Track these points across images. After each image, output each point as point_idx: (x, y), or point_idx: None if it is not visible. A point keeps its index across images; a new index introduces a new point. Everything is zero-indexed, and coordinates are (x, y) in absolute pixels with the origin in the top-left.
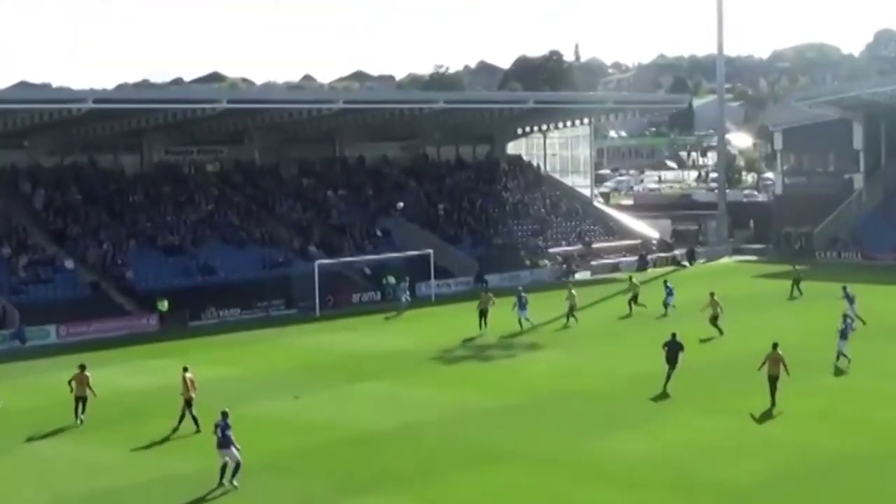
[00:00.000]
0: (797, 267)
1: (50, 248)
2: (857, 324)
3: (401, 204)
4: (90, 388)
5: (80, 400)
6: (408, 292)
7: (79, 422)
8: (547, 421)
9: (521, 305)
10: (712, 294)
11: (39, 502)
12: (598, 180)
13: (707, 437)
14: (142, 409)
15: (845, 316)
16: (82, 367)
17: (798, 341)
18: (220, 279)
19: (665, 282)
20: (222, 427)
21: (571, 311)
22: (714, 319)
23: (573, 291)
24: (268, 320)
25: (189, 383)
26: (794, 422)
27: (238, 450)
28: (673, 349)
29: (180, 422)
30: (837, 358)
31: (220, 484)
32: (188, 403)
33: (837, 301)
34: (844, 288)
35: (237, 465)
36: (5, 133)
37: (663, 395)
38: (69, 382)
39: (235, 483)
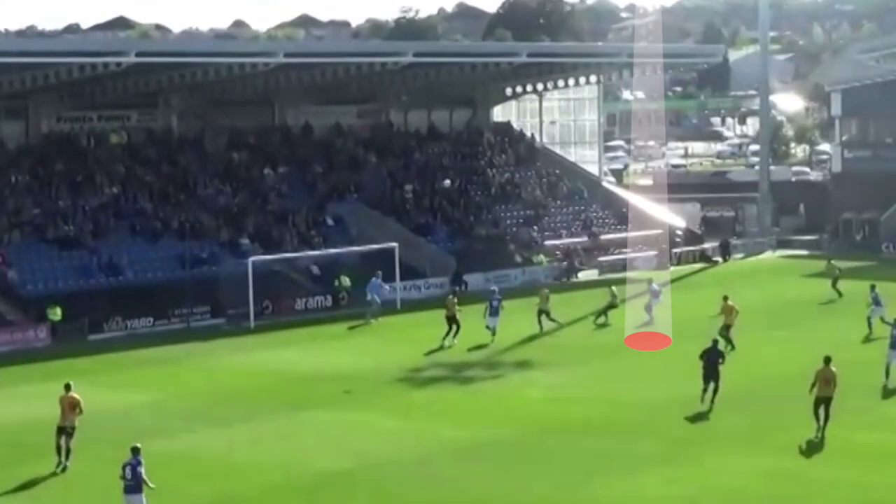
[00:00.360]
0: (832, 262)
1: None
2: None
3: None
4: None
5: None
6: (386, 287)
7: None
8: (540, 460)
9: (493, 311)
10: (726, 298)
11: None
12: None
13: (743, 480)
14: (25, 447)
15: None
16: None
17: (855, 358)
18: (128, 281)
19: (872, 287)
20: (133, 466)
21: (607, 309)
22: (726, 329)
23: (614, 290)
24: (189, 333)
25: (69, 408)
26: (852, 460)
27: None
28: (712, 360)
29: (67, 457)
30: (887, 375)
31: None
32: (65, 432)
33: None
34: (873, 287)
35: None
36: None
37: (701, 418)
38: None
39: None
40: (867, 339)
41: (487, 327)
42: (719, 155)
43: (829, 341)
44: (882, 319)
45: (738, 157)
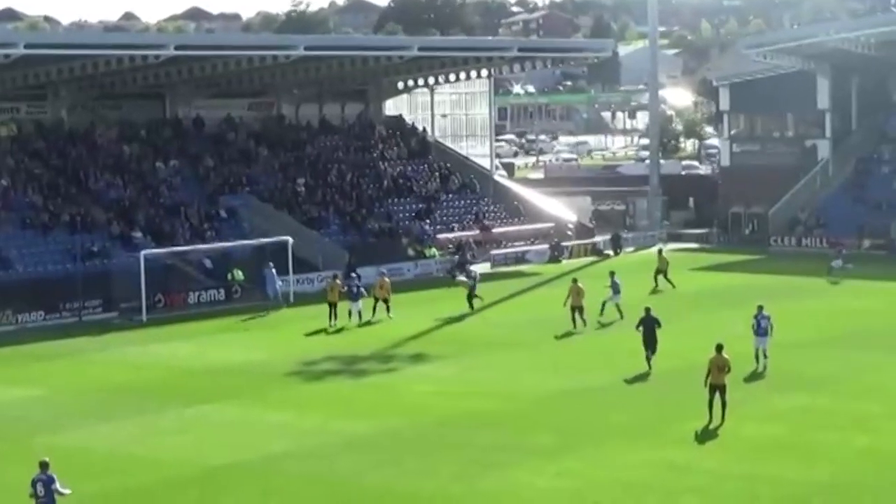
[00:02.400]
0: (661, 249)
1: None
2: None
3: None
4: None
5: None
6: (279, 281)
7: None
8: (434, 453)
9: (353, 296)
10: (575, 280)
11: None
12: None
13: (633, 472)
14: None
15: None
16: None
17: (744, 350)
18: (18, 274)
19: (612, 274)
20: (44, 482)
21: (660, 274)
22: (577, 311)
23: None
24: (80, 327)
25: None
26: (746, 452)
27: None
28: (649, 327)
29: None
30: (757, 360)
31: None
32: None
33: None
34: (612, 274)
35: None
36: None
37: (592, 410)
38: None
39: None
40: (600, 325)
41: (354, 311)
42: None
43: (718, 334)
44: (617, 307)
45: (628, 150)
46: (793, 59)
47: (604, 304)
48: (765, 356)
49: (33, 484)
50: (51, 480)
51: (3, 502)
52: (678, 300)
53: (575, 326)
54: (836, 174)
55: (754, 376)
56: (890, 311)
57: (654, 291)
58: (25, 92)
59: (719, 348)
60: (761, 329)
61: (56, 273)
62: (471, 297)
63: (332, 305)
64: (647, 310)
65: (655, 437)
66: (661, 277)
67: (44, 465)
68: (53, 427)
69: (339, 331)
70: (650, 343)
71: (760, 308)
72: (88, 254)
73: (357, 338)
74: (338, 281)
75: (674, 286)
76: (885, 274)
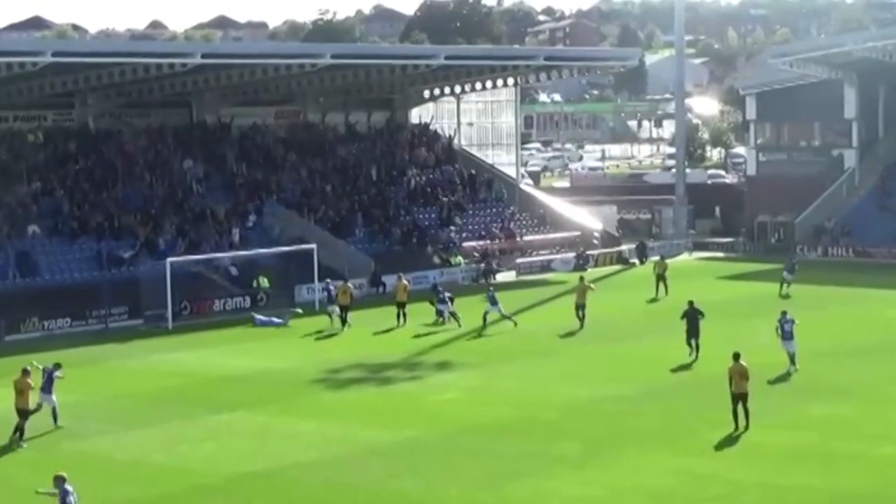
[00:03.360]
0: (662, 255)
1: None
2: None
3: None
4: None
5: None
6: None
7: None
8: (458, 461)
9: (330, 299)
10: (582, 278)
11: None
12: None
13: (658, 481)
14: None
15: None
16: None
17: (770, 360)
18: (45, 281)
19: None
20: (61, 496)
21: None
22: (580, 308)
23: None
24: (106, 334)
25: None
26: (769, 461)
27: None
28: (693, 317)
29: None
30: (792, 362)
31: None
32: (23, 414)
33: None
34: (490, 288)
35: None
36: None
37: (616, 418)
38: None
39: None
40: (480, 335)
41: (333, 316)
42: None
43: (743, 343)
44: (502, 315)
45: (655, 159)
46: (819, 68)
47: (485, 315)
48: (793, 362)
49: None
50: (66, 494)
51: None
52: (709, 308)
53: (582, 326)
54: (862, 183)
55: (780, 384)
56: None
57: (653, 300)
58: (53, 100)
59: (736, 357)
60: (786, 332)
61: (83, 280)
62: (454, 314)
63: (401, 305)
64: (691, 302)
65: (679, 445)
66: (660, 284)
67: (60, 480)
68: (80, 434)
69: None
70: (693, 332)
71: (784, 313)
72: (115, 261)
73: (382, 346)
74: (404, 281)
75: (667, 293)
76: None
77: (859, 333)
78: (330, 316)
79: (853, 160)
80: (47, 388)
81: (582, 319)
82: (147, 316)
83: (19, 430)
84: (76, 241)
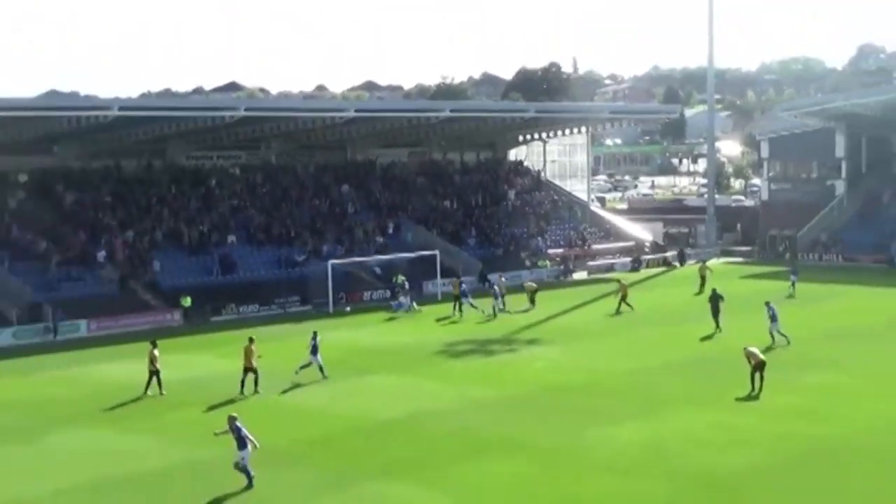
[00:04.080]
0: (706, 263)
1: (81, 248)
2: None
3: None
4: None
5: (248, 370)
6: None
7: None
8: (545, 413)
9: (496, 294)
10: (619, 280)
11: (71, 482)
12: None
13: (697, 428)
14: (165, 399)
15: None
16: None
17: (781, 341)
18: (240, 277)
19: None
20: (236, 430)
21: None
22: (623, 298)
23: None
24: (284, 316)
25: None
26: (777, 416)
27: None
28: (716, 302)
29: (250, 385)
30: (785, 338)
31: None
32: (246, 371)
33: (812, 304)
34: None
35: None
36: (36, 139)
37: (663, 383)
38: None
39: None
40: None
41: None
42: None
43: (759, 325)
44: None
45: (691, 187)
46: (817, 119)
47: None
48: (781, 334)
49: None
50: (238, 430)
51: (224, 441)
52: (730, 300)
53: (618, 312)
54: (849, 206)
55: (785, 360)
56: (891, 309)
57: (698, 293)
58: (245, 143)
59: (748, 349)
60: (774, 315)
61: (267, 276)
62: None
63: (457, 298)
64: (714, 290)
65: (709, 403)
66: (702, 281)
67: (232, 418)
68: (265, 391)
69: (453, 321)
70: (716, 311)
71: (767, 303)
72: (291, 262)
73: (486, 327)
74: (503, 279)
75: (702, 290)
76: (887, 281)
77: (847, 320)
78: (461, 308)
79: (842, 189)
80: (314, 350)
81: (629, 305)
82: (314, 303)
83: (242, 383)
84: (263, 247)
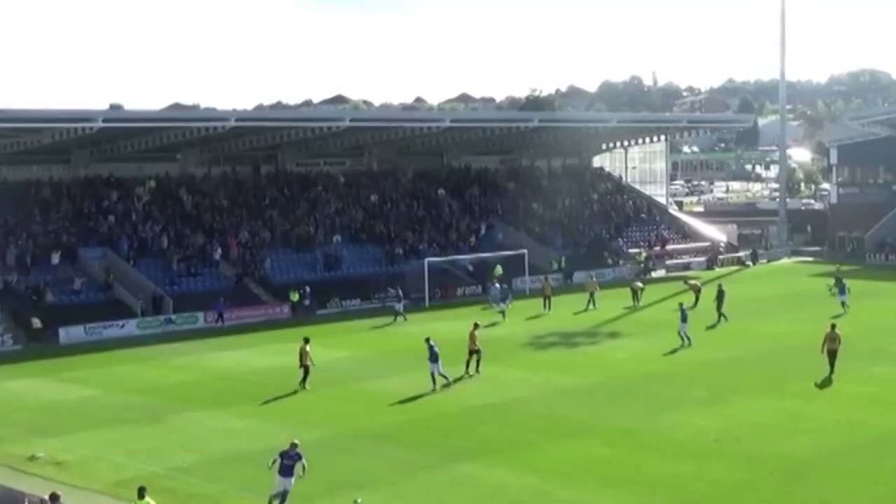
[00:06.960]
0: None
1: (200, 247)
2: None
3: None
4: (310, 359)
5: (305, 369)
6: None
7: (303, 387)
8: (624, 400)
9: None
10: (685, 280)
11: (187, 460)
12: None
13: (766, 415)
14: (274, 385)
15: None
16: (306, 341)
17: (849, 333)
18: (344, 273)
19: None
20: (293, 457)
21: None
22: (696, 296)
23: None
24: (384, 310)
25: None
26: (846, 404)
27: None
28: (721, 296)
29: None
30: (689, 340)
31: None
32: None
33: (877, 298)
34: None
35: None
36: (161, 147)
37: (733, 372)
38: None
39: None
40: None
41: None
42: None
43: (827, 318)
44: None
45: (764, 191)
46: (883, 127)
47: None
48: (686, 336)
49: (281, 456)
50: (298, 457)
51: (327, 423)
52: (802, 296)
53: (695, 306)
54: None
55: (858, 350)
56: None
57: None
58: (349, 151)
59: (833, 326)
60: (684, 316)
61: (369, 273)
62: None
63: (546, 297)
64: (719, 285)
65: (778, 391)
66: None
67: (294, 445)
68: (363, 377)
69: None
70: (721, 305)
71: (681, 304)
72: (391, 259)
73: (572, 321)
74: (594, 279)
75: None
76: None
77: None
78: (550, 305)
79: None
80: (433, 358)
81: (694, 304)
82: (412, 298)
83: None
84: (365, 245)
